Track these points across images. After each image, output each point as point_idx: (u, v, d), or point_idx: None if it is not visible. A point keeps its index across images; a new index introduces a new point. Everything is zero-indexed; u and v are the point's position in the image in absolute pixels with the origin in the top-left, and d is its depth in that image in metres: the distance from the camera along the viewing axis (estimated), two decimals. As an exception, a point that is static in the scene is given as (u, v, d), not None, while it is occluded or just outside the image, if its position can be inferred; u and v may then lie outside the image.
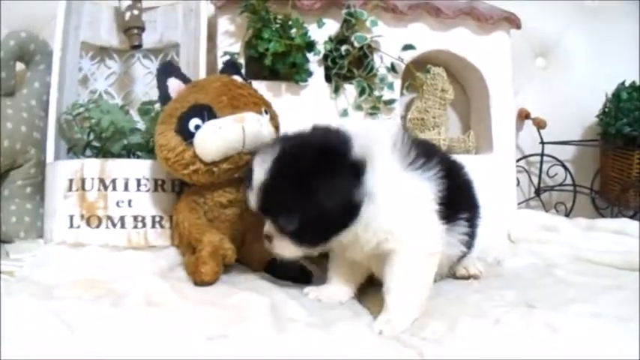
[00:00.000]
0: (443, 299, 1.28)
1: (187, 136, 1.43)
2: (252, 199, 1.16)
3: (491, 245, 1.79)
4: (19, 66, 1.92)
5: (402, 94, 2.02)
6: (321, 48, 1.87)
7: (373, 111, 1.91)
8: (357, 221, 1.14)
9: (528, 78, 2.47)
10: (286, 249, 1.17)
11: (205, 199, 1.52)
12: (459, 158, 1.93)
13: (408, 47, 1.94)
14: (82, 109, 1.74)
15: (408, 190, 1.18)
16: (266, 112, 1.53)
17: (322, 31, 1.88)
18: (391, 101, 1.94)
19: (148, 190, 1.61)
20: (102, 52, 2.06)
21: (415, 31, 2.00)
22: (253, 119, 1.44)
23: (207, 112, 1.44)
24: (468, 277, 1.49)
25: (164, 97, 1.54)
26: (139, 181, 1.61)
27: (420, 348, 1.01)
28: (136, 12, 1.92)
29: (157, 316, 1.08)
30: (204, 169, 1.44)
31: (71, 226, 1.60)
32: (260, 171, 1.13)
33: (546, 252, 1.75)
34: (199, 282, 1.30)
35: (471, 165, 1.95)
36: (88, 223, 1.59)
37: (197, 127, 1.43)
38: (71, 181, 1.62)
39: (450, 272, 1.50)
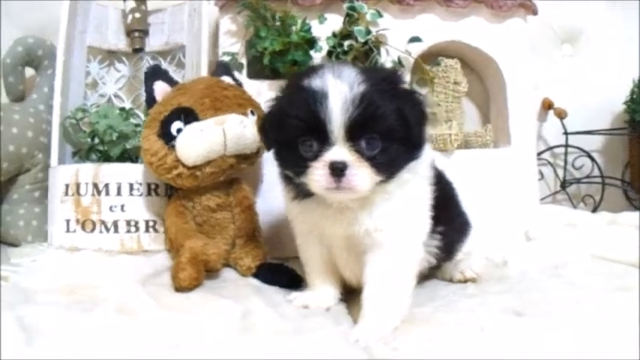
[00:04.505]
0: (432, 305, 1.23)
1: (169, 140, 1.42)
2: (334, 122, 1.03)
3: (502, 244, 1.72)
4: (30, 71, 1.96)
5: (412, 88, 1.94)
6: (323, 44, 1.81)
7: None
8: (418, 158, 1.12)
9: (554, 66, 2.35)
10: (362, 179, 1.05)
11: (194, 203, 1.51)
12: (477, 153, 1.91)
13: (414, 40, 1.86)
14: (84, 113, 1.75)
15: (414, 189, 1.15)
16: (252, 113, 1.50)
17: (325, 27, 1.82)
18: (398, 96, 1.86)
19: (140, 195, 1.61)
20: (110, 56, 2.07)
21: (424, 22, 1.92)
22: (235, 121, 1.41)
23: (189, 115, 1.42)
24: (465, 281, 1.44)
25: (150, 100, 1.53)
26: (131, 185, 1.60)
27: (388, 358, 0.98)
28: (137, 15, 1.92)
29: (123, 323, 1.07)
30: (187, 172, 1.42)
31: (68, 230, 1.62)
32: (343, 95, 1.02)
33: (559, 250, 1.65)
34: (178, 288, 1.29)
35: (489, 160, 1.91)
36: (83, 228, 1.60)
37: (179, 130, 1.42)
38: (67, 185, 1.63)
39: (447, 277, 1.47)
